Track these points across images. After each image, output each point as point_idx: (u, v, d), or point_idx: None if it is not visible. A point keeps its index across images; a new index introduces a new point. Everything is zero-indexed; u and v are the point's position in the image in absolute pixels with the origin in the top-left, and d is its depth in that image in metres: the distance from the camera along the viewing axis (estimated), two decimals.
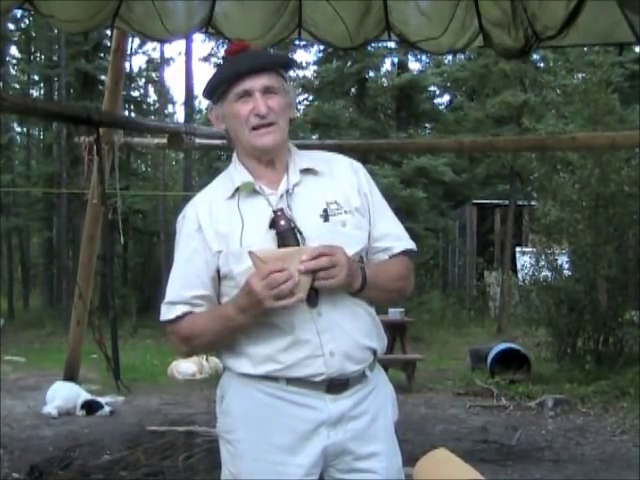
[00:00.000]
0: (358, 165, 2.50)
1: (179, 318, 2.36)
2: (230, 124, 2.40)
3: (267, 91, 2.33)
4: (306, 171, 2.40)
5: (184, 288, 2.36)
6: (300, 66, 23.35)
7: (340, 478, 2.37)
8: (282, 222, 2.27)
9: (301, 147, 2.52)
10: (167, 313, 2.38)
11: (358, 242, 2.35)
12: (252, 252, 2.18)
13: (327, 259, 2.17)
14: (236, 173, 2.41)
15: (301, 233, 2.27)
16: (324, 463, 2.34)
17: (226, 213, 2.34)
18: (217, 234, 2.32)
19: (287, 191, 2.35)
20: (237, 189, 2.36)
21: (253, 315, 2.22)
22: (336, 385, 2.31)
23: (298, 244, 2.25)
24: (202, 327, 2.34)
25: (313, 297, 2.24)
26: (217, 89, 2.39)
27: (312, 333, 2.27)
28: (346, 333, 2.30)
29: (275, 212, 2.29)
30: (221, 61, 24.31)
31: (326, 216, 2.32)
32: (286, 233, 2.26)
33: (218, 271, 2.33)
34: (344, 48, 7.76)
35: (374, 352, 2.41)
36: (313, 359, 2.27)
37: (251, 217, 2.31)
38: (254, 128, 2.34)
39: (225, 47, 2.46)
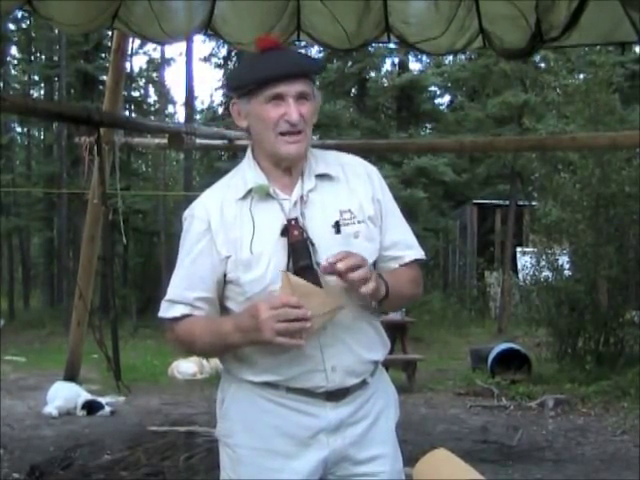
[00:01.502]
0: (372, 169, 2.44)
1: (177, 319, 2.32)
2: (255, 124, 2.30)
3: (299, 97, 2.25)
4: (321, 176, 2.34)
5: (187, 288, 2.31)
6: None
7: None
8: (295, 232, 2.22)
9: None
10: (166, 311, 2.33)
11: (369, 255, 2.29)
12: (285, 272, 2.13)
13: (356, 258, 2.13)
14: (249, 172, 2.33)
15: (313, 245, 2.22)
16: (324, 471, 2.32)
17: (237, 215, 2.27)
18: (227, 238, 2.26)
19: (301, 197, 2.29)
20: (250, 190, 2.30)
21: (249, 339, 2.18)
22: (336, 395, 2.29)
23: (310, 255, 2.20)
24: (198, 334, 2.29)
25: None
26: (246, 86, 2.28)
27: (315, 348, 2.24)
28: (349, 349, 2.28)
29: (289, 221, 2.24)
30: (224, 61, 24.34)
31: (338, 228, 2.26)
32: (298, 244, 2.21)
33: (225, 275, 2.28)
34: (343, 50, 7.76)
35: (376, 362, 2.39)
36: (314, 373, 2.25)
37: (263, 223, 2.25)
38: (281, 134, 2.25)
39: (256, 40, 2.36)
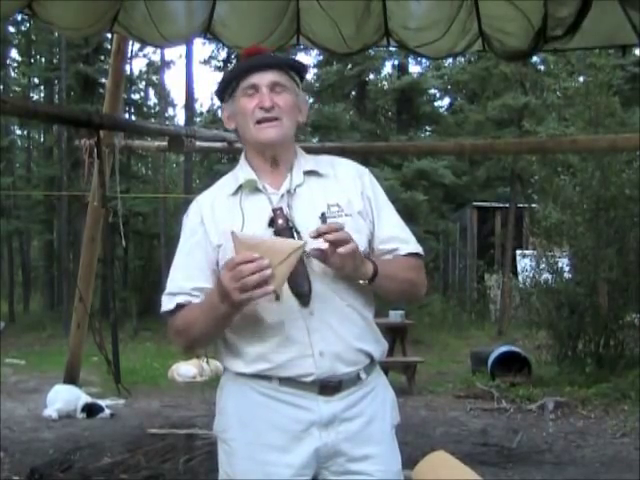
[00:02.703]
0: (364, 170, 2.50)
1: (177, 309, 2.36)
2: (238, 121, 2.42)
3: (275, 87, 2.36)
4: (310, 173, 2.42)
5: (185, 279, 2.37)
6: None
7: None
8: (280, 220, 2.28)
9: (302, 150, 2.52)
10: (167, 304, 2.38)
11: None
12: (233, 232, 2.16)
13: (339, 233, 2.17)
14: (241, 172, 2.43)
15: (298, 233, 2.27)
16: (317, 465, 2.34)
17: (228, 209, 2.36)
18: (218, 229, 2.34)
19: (288, 191, 2.36)
20: (240, 186, 2.39)
21: (231, 306, 2.18)
22: (329, 386, 2.31)
23: None
24: (194, 317, 2.31)
25: (306, 296, 2.25)
26: (227, 87, 2.42)
27: (302, 332, 2.27)
28: (337, 334, 2.30)
29: (274, 210, 2.30)
30: (224, 64, 24.34)
31: (324, 218, 2.31)
32: (283, 232, 2.26)
33: (217, 264, 2.34)
34: (343, 54, 7.76)
35: (369, 356, 2.40)
36: (302, 359, 2.28)
37: (252, 214, 2.33)
38: (258, 122, 2.35)
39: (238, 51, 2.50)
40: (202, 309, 2.30)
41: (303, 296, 2.25)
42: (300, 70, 2.49)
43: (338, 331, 2.31)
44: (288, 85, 2.39)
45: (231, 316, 2.25)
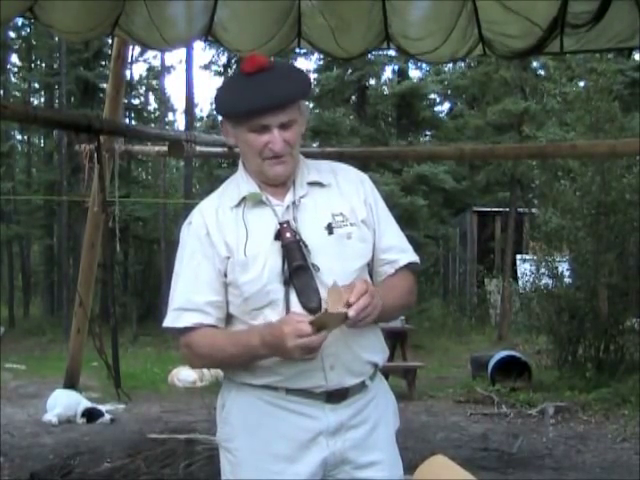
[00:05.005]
0: (364, 176, 2.49)
1: (189, 329, 2.31)
2: (241, 147, 2.36)
3: (284, 125, 2.28)
4: (313, 184, 2.39)
5: (195, 293, 2.31)
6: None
7: None
8: (288, 234, 2.27)
9: (302, 155, 2.48)
10: (176, 320, 2.32)
11: (362, 255, 2.36)
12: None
13: (367, 299, 2.17)
14: (243, 182, 2.38)
15: (306, 246, 2.26)
16: (323, 473, 2.33)
17: (232, 222, 2.32)
18: (224, 241, 2.30)
19: (293, 202, 2.33)
20: (243, 198, 2.35)
21: (275, 354, 2.21)
22: (336, 395, 2.30)
23: (303, 256, 2.25)
24: (220, 347, 2.30)
25: (316, 311, 2.22)
26: (231, 116, 2.33)
27: None
28: (348, 347, 2.30)
29: (281, 224, 2.28)
30: (224, 69, 24.35)
31: (330, 229, 2.30)
32: (291, 246, 2.26)
33: (226, 275, 2.31)
34: (343, 58, 7.77)
35: (375, 365, 2.41)
36: (313, 372, 2.27)
37: (256, 227, 2.30)
38: (267, 158, 2.30)
39: (241, 60, 2.30)
40: (234, 345, 2.28)
41: (313, 310, 2.22)
42: (306, 96, 2.44)
43: (349, 344, 2.30)
44: (297, 116, 2.32)
45: (266, 358, 2.26)
